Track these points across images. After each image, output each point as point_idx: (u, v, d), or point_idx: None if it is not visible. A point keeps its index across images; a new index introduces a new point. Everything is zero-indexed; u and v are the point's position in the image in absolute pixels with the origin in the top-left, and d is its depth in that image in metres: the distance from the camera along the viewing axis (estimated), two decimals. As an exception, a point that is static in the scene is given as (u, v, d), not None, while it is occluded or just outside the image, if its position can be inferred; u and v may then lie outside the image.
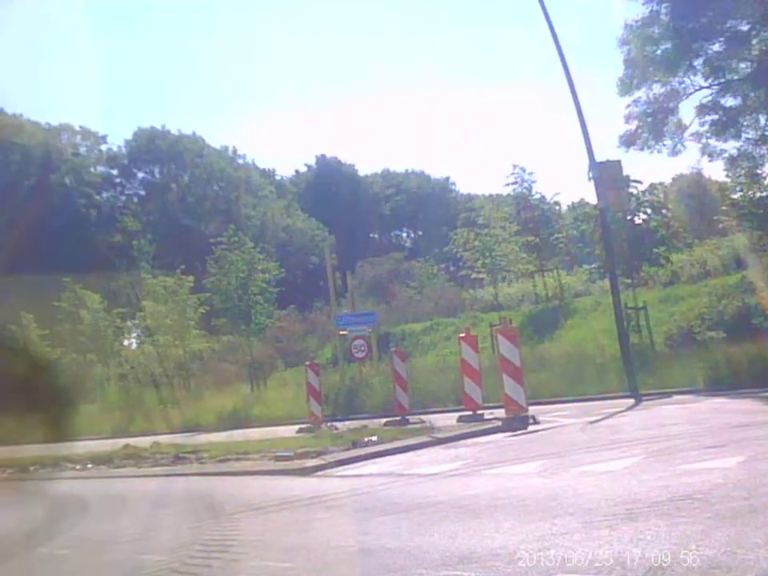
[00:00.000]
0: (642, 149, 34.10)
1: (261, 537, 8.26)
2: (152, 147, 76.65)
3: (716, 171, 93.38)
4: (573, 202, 56.79)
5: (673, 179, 57.11)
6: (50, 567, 8.30)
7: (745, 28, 32.00)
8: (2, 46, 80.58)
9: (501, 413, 16.98)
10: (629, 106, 33.97)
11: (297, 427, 22.20)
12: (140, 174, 78.40)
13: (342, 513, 9.28)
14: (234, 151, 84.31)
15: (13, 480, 18.29)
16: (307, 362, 24.64)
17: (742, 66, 33.00)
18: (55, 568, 8.24)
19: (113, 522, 10.56)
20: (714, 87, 33.00)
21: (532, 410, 16.93)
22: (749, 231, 30.30)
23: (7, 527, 10.69)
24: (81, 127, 77.13)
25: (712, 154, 34.71)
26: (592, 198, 28.04)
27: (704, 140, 34.15)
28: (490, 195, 58.44)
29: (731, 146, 33.79)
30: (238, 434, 23.46)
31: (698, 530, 6.06)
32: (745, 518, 6.34)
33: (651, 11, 32.03)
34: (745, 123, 33.22)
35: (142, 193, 78.37)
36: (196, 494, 12.15)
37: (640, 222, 32.07)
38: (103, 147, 78.75)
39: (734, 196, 32.15)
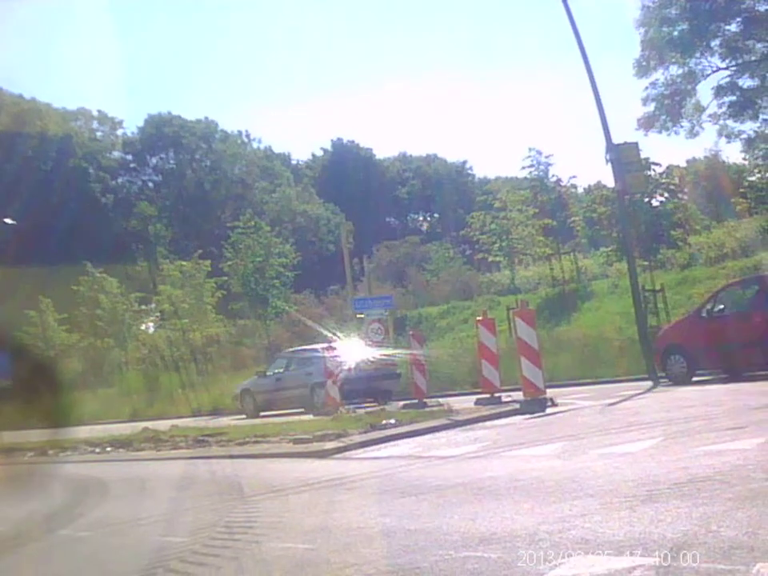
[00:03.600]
0: (659, 131, 34.12)
1: (281, 519, 8.28)
2: (165, 133, 76.57)
3: (733, 153, 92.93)
4: (590, 185, 56.58)
5: (688, 162, 57.02)
6: (71, 549, 8.34)
7: (762, 8, 31.86)
8: (20, 31, 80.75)
9: (518, 395, 16.98)
10: (646, 88, 33.96)
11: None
12: (154, 160, 78.40)
13: (361, 495, 9.30)
14: (248, 135, 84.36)
15: (32, 464, 18.38)
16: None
17: (760, 46, 32.86)
18: (76, 550, 8.26)
19: (133, 505, 10.62)
20: (732, 68, 32.87)
21: (550, 392, 16.93)
22: (766, 213, 30.22)
23: (28, 510, 10.75)
24: (98, 112, 77.24)
25: (730, 136, 34.73)
26: (609, 181, 28.05)
27: (721, 121, 34.18)
28: (507, 178, 58.44)
29: (749, 128, 33.73)
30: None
31: (718, 511, 6.05)
32: (765, 498, 6.33)
33: (668, -8, 31.91)
34: (763, 104, 33.07)
35: (158, 178, 78.39)
36: (216, 476, 12.19)
37: (657, 204, 31.99)
38: (119, 132, 78.84)
39: (752, 178, 32.05)
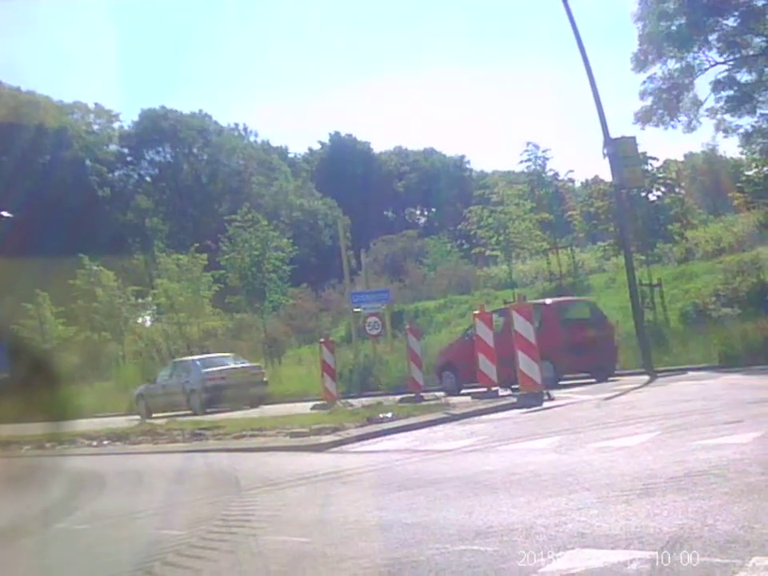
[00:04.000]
0: (657, 125, 33.92)
1: (278, 512, 8.29)
2: (162, 126, 76.38)
3: (731, 148, 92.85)
4: (587, 179, 56.58)
5: (685, 156, 57.05)
6: (69, 542, 8.34)
7: (760, 2, 31.71)
8: (17, 24, 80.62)
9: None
10: (644, 82, 33.75)
11: (311, 404, 22.28)
12: (151, 153, 78.24)
13: (358, 488, 9.31)
14: (245, 129, 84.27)
15: (30, 457, 18.39)
16: (322, 340, 24.69)
17: (758, 40, 32.73)
18: (73, 543, 8.27)
19: (130, 498, 10.63)
20: (729, 62, 32.72)
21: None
22: (764, 208, 30.19)
23: (25, 503, 10.75)
24: (95, 105, 77.12)
25: (727, 130, 34.55)
26: (606, 175, 28.00)
27: (719, 116, 33.98)
28: (504, 172, 58.28)
29: (746, 122, 33.58)
30: (253, 411, 23.60)
31: (714, 505, 6.06)
32: (762, 492, 6.35)
33: (666, -15, 31.78)
34: (760, 99, 32.97)
35: (154, 171, 78.23)
36: (213, 469, 12.20)
37: (654, 198, 31.93)
38: (116, 125, 78.71)
39: (749, 173, 32.02)
